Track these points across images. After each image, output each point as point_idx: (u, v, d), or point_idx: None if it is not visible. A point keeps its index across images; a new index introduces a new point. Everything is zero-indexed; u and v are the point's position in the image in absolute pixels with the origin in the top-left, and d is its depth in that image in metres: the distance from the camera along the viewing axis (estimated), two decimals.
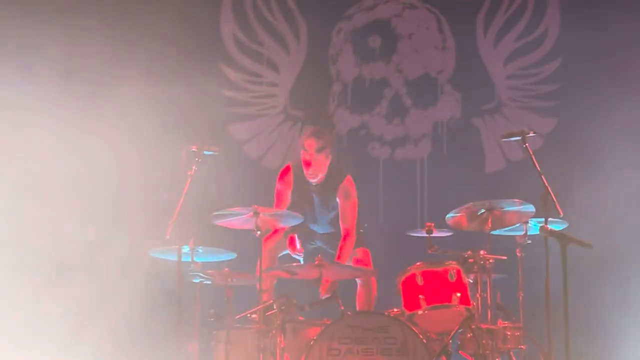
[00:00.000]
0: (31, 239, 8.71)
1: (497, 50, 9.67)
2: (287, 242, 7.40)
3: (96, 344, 8.54)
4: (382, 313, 6.85)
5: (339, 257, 7.34)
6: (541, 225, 6.18)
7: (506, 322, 6.94)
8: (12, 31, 8.89)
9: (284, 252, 7.54)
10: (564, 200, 6.55)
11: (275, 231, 7.43)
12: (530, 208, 6.89)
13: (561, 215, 6.54)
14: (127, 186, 8.86)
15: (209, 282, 7.19)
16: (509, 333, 6.89)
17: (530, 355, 7.01)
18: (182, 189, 6.62)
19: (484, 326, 6.79)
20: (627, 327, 8.74)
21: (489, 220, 6.95)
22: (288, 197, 7.55)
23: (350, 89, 9.66)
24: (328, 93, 9.64)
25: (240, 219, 6.82)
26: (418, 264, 6.91)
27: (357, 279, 7.44)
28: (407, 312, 6.82)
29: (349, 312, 6.81)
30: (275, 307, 6.70)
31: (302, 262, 7.41)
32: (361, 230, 7.61)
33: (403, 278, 6.93)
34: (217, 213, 6.81)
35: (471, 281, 6.93)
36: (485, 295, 6.86)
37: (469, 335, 6.80)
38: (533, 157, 6.65)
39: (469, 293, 6.84)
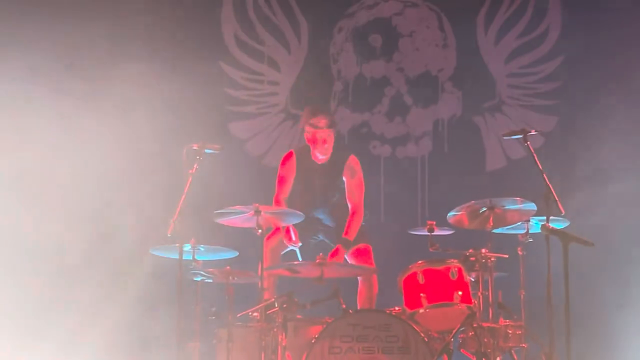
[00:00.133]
0: (31, 238, 8.71)
1: (498, 48, 9.67)
2: (284, 231, 7.39)
3: (97, 343, 8.54)
4: (384, 311, 6.85)
5: (346, 233, 7.40)
6: (543, 223, 6.17)
7: (508, 320, 6.93)
8: (12, 30, 8.89)
9: (287, 250, 7.54)
10: (566, 199, 6.54)
11: (278, 229, 7.43)
12: (532, 206, 6.89)
13: (563, 214, 6.53)
14: (128, 184, 8.85)
15: (210, 281, 7.19)
16: (510, 331, 6.89)
17: (531, 353, 7.00)
18: (184, 187, 6.62)
19: (485, 324, 6.79)
20: (628, 325, 8.74)
21: (491, 219, 6.95)
22: (290, 183, 7.60)
23: (351, 87, 9.66)
24: (329, 92, 9.63)
25: (241, 217, 6.82)
26: (419, 262, 6.91)
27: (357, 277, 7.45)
28: (408, 311, 6.81)
29: (350, 311, 6.81)
30: (276, 305, 6.70)
31: (298, 254, 7.42)
32: (362, 223, 7.62)
33: (404, 276, 6.92)
34: (218, 211, 6.82)
35: (472, 279, 6.93)
36: (486, 293, 6.86)
37: (470, 333, 6.80)
38: (535, 155, 6.64)
39: (471, 291, 6.83)
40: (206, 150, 6.77)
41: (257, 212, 6.73)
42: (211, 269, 7.11)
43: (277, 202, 7.59)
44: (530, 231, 7.22)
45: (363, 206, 7.57)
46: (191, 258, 7.10)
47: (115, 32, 8.97)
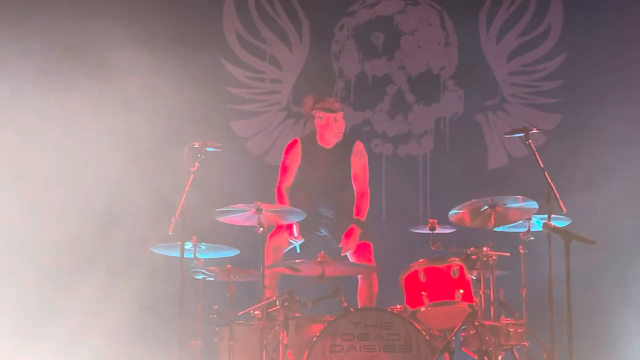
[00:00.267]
0: (31, 237, 8.70)
1: (500, 46, 9.66)
2: (285, 226, 7.40)
3: (98, 342, 8.54)
4: (385, 310, 6.84)
5: (357, 214, 7.47)
6: (544, 221, 6.17)
7: (509, 318, 6.93)
8: (11, 29, 8.89)
9: (289, 248, 7.54)
10: (567, 197, 6.53)
11: (280, 228, 7.43)
12: (533, 204, 6.89)
13: (564, 212, 6.52)
14: (129, 183, 8.85)
15: (211, 279, 7.19)
16: (511, 330, 6.88)
17: (533, 351, 7.00)
18: (185, 186, 6.62)
19: (487, 323, 6.78)
20: (630, 324, 8.73)
21: (492, 217, 6.94)
22: (294, 172, 7.63)
23: (353, 85, 9.65)
24: (331, 90, 9.62)
25: (243, 215, 6.82)
26: (421, 260, 6.90)
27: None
28: (409, 309, 6.81)
29: (351, 309, 6.80)
30: (277, 304, 6.70)
31: (297, 248, 7.43)
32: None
33: (406, 275, 6.92)
34: (219, 209, 6.82)
35: (474, 278, 6.92)
36: (488, 291, 6.86)
37: (471, 331, 6.80)
38: (536, 153, 6.63)
39: (472, 290, 6.83)
40: (207, 149, 6.77)
41: (259, 210, 6.73)
42: (212, 267, 7.11)
43: (279, 191, 7.59)
44: (531, 229, 7.21)
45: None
46: (192, 256, 7.10)
47: (117, 30, 8.96)
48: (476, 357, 6.77)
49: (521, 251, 7.25)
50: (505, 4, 9.66)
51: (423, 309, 6.75)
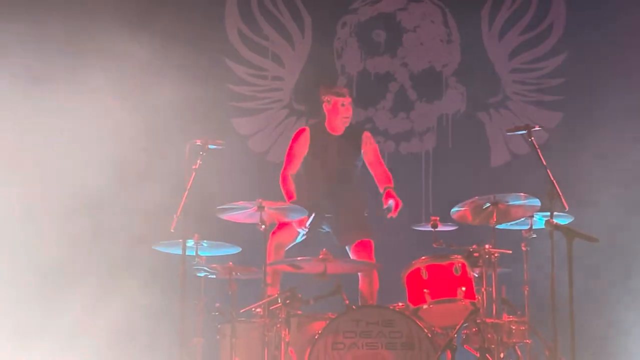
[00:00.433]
0: (32, 236, 8.70)
1: (502, 44, 9.65)
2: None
3: (99, 340, 8.54)
4: (387, 307, 6.84)
5: (388, 182, 7.57)
6: (547, 219, 6.16)
7: (511, 316, 6.92)
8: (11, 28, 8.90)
9: (292, 245, 7.54)
10: (570, 195, 6.53)
11: (282, 225, 7.42)
12: (536, 202, 6.88)
13: (567, 209, 6.51)
14: (131, 180, 8.85)
15: (213, 276, 7.19)
16: (514, 327, 6.87)
17: (535, 349, 7.00)
18: (187, 183, 6.61)
19: (489, 320, 6.77)
20: (632, 321, 8.73)
21: (494, 214, 6.94)
22: (300, 160, 7.65)
23: (355, 83, 9.64)
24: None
25: (244, 212, 6.82)
26: (423, 258, 6.90)
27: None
28: (412, 306, 6.81)
29: (353, 306, 6.80)
30: (279, 301, 6.70)
31: (300, 237, 7.43)
32: (365, 214, 7.65)
33: (408, 272, 6.92)
34: (221, 207, 6.81)
35: (476, 275, 6.92)
36: (490, 289, 6.85)
37: (474, 329, 6.80)
38: (539, 151, 6.62)
39: (474, 287, 6.83)
40: (209, 146, 6.75)
41: (261, 208, 6.72)
42: (214, 265, 7.12)
43: (284, 178, 7.59)
44: (534, 227, 7.21)
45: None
46: (194, 254, 7.11)
47: (118, 28, 8.95)
48: (478, 355, 6.76)
49: (523, 249, 7.25)
50: (508, 1, 9.65)
51: (425, 306, 6.75)
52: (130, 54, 8.88)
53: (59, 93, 8.76)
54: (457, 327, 6.68)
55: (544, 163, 6.56)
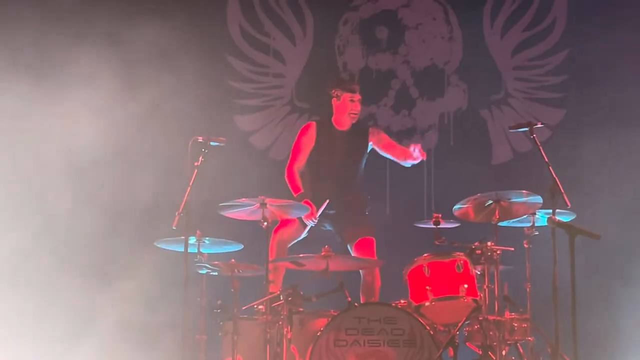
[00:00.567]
0: (33, 235, 8.70)
1: (504, 41, 9.64)
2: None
3: (102, 337, 8.54)
4: (389, 304, 6.84)
5: (403, 154, 7.62)
6: (549, 216, 6.15)
7: (513, 313, 6.91)
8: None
9: (293, 242, 7.54)
10: (572, 192, 6.52)
11: (285, 222, 7.42)
12: (538, 199, 6.87)
13: (569, 207, 6.51)
14: (133, 177, 8.84)
15: (215, 274, 7.19)
16: (516, 324, 6.87)
17: (537, 346, 6.99)
18: (189, 180, 6.61)
19: (491, 317, 6.77)
20: (634, 319, 8.72)
21: (496, 212, 6.93)
22: (307, 153, 7.66)
23: (357, 80, 9.63)
24: None
25: (247, 210, 6.82)
26: (425, 255, 6.91)
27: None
28: (414, 304, 6.81)
29: (355, 304, 6.81)
30: (281, 298, 6.70)
31: (308, 228, 7.44)
32: (366, 213, 7.65)
33: (410, 269, 6.92)
34: (223, 204, 6.81)
35: (478, 272, 6.92)
36: (492, 286, 6.83)
37: (476, 326, 6.80)
38: (541, 148, 6.62)
39: (476, 284, 6.83)
40: (211, 143, 6.76)
41: (263, 205, 6.72)
42: (216, 262, 7.12)
43: (290, 171, 7.59)
44: (536, 224, 7.19)
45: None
46: (196, 251, 7.11)
47: (119, 26, 8.95)
48: (480, 352, 6.77)
49: (525, 246, 7.23)
50: None
51: (427, 303, 6.75)
52: (131, 51, 8.88)
53: (57, 91, 8.75)
54: (459, 324, 6.68)
55: (546, 160, 6.55)
